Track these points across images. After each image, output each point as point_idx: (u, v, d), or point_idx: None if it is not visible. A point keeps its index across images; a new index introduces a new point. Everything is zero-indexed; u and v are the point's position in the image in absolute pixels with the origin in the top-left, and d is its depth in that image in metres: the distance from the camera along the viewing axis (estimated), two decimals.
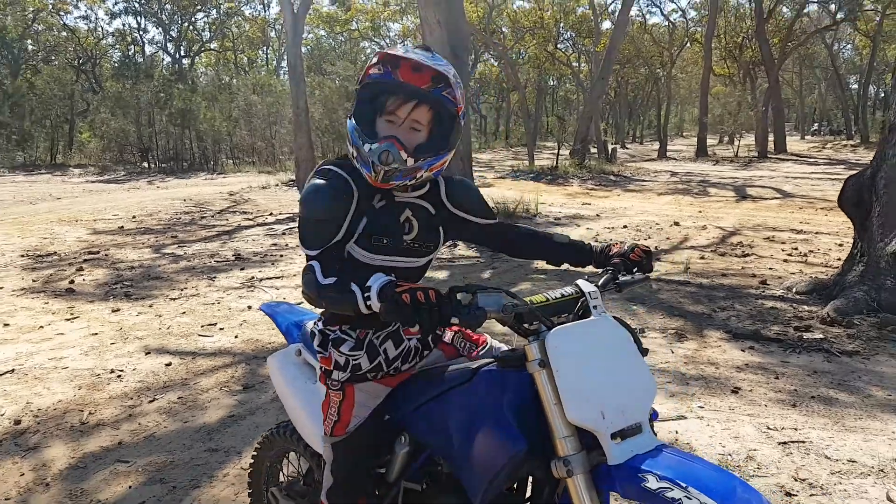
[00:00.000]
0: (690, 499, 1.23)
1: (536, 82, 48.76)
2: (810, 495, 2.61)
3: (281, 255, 8.79)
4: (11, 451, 3.44)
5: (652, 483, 1.29)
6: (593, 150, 28.84)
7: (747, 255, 8.16)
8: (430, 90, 1.61)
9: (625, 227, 10.54)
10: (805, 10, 35.95)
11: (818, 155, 30.64)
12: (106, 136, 30.52)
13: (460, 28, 10.98)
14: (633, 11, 37.44)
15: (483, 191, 10.99)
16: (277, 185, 17.41)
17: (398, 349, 1.83)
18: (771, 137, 31.84)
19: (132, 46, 46.64)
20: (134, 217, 12.69)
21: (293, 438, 2.20)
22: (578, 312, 1.57)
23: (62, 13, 41.88)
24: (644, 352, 1.58)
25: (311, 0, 19.73)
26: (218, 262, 8.50)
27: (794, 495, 2.62)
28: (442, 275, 7.58)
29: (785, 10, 35.36)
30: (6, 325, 5.73)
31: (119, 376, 4.46)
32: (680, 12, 45.08)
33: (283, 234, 10.61)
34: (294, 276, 7.51)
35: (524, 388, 1.50)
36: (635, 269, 1.79)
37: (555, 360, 1.43)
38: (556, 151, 24.38)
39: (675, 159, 30.59)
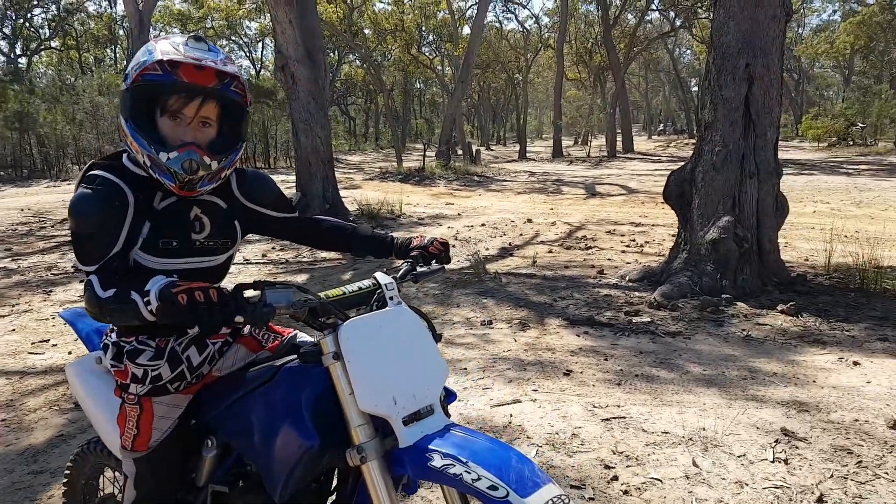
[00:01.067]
0: (470, 472, 1.34)
1: (402, 85, 49.17)
2: (626, 466, 2.87)
3: None
4: None
5: (437, 461, 1.38)
6: (460, 153, 29.56)
7: (590, 247, 8.72)
8: (217, 87, 1.58)
9: (483, 224, 10.92)
10: (648, 18, 38.77)
11: (663, 153, 33.12)
12: None
13: (313, 28, 10.93)
14: (490, 17, 38.90)
15: (350, 192, 10.97)
16: None
17: (202, 354, 1.80)
18: (620, 138, 34.07)
19: None
20: None
21: (105, 454, 2.11)
22: (375, 304, 1.62)
23: None
24: (437, 338, 1.67)
25: None
26: (55, 274, 7.91)
27: (612, 468, 2.87)
28: (301, 278, 7.51)
29: (630, 17, 37.90)
30: None
31: None
32: (534, 18, 46.78)
33: None
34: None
35: (323, 383, 1.54)
36: (433, 261, 1.88)
37: (347, 352, 1.47)
38: (423, 153, 24.73)
39: (534, 160, 31.97)
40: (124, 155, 1.68)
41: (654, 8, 35.90)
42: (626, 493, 2.65)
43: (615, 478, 2.76)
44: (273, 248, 9.22)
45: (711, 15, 7.54)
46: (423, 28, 39.59)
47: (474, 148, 30.65)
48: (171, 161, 1.55)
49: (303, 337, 1.90)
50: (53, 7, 41.90)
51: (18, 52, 42.90)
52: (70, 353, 4.93)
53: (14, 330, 5.64)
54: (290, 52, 10.26)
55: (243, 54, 50.22)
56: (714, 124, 6.24)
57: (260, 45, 48.69)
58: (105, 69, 37.43)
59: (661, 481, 2.72)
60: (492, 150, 44.88)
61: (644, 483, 2.72)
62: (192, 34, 1.65)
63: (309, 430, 1.50)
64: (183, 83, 1.54)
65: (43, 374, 4.50)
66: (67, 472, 2.30)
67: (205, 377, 1.84)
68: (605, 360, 4.34)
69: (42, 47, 45.09)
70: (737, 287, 5.88)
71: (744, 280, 5.94)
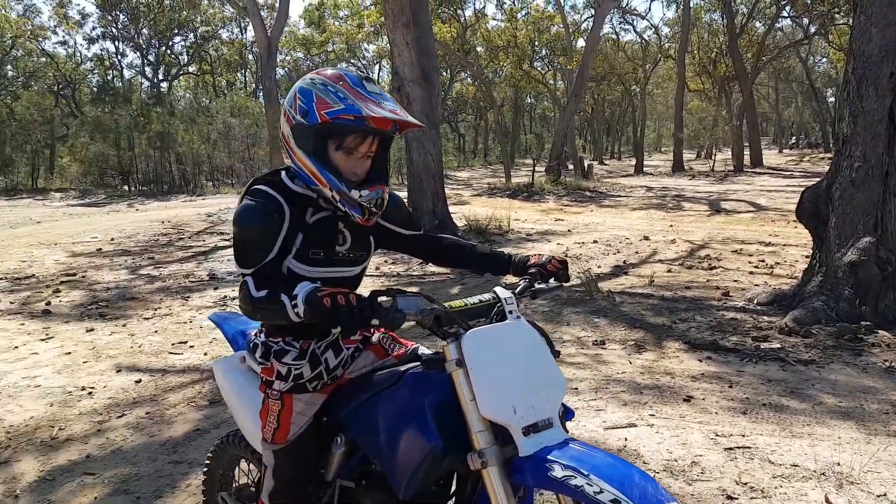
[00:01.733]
0: (591, 485, 1.34)
1: (513, 100, 49.26)
2: (751, 498, 2.73)
3: None
4: None
5: (558, 472, 1.40)
6: (571, 167, 29.18)
7: (714, 267, 8.34)
8: (390, 130, 1.78)
9: (595, 242, 10.71)
10: (778, 25, 36.77)
11: (795, 168, 31.21)
12: (86, 160, 30.42)
13: (429, 50, 11.20)
14: (607, 29, 38.17)
15: (458, 208, 11.16)
16: None
17: (338, 357, 1.94)
18: (747, 152, 32.42)
19: (111, 71, 46.61)
20: (112, 239, 12.65)
21: (242, 446, 2.28)
22: (495, 317, 1.69)
23: (41, 39, 41.79)
24: (556, 354, 1.70)
25: (285, 23, 19.92)
26: (192, 282, 8.54)
27: (734, 498, 2.74)
28: (412, 290, 7.68)
29: (758, 24, 36.09)
30: None
31: (90, 393, 4.52)
32: (653, 29, 45.46)
33: None
34: None
35: (445, 388, 1.61)
36: (551, 279, 1.94)
37: (469, 360, 1.54)
38: (532, 168, 24.63)
39: (651, 174, 31.02)
40: (283, 172, 1.85)
41: (786, 15, 34.01)
42: None
43: None
44: (385, 262, 9.50)
45: (850, 21, 7.05)
46: (536, 43, 39.51)
47: (586, 162, 30.17)
48: (363, 198, 1.75)
49: (424, 350, 2.00)
50: (192, 35, 45.52)
51: (160, 77, 46.90)
52: (206, 354, 5.32)
53: (156, 332, 6.15)
54: (405, 73, 10.58)
55: None
56: (853, 138, 5.82)
57: (377, 66, 50.43)
58: (236, 92, 40.28)
59: None
60: (605, 164, 44.00)
61: None
62: (364, 76, 1.78)
63: (432, 432, 1.57)
64: (371, 129, 1.72)
65: (181, 373, 4.89)
66: (207, 461, 2.50)
67: (338, 379, 1.97)
68: (730, 386, 4.14)
69: (181, 72, 49.03)
70: (878, 314, 5.43)
71: (886, 307, 5.48)
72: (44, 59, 42.26)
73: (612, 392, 4.08)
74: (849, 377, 4.31)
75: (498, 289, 1.73)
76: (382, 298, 1.54)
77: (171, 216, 16.82)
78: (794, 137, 55.29)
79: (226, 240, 12.41)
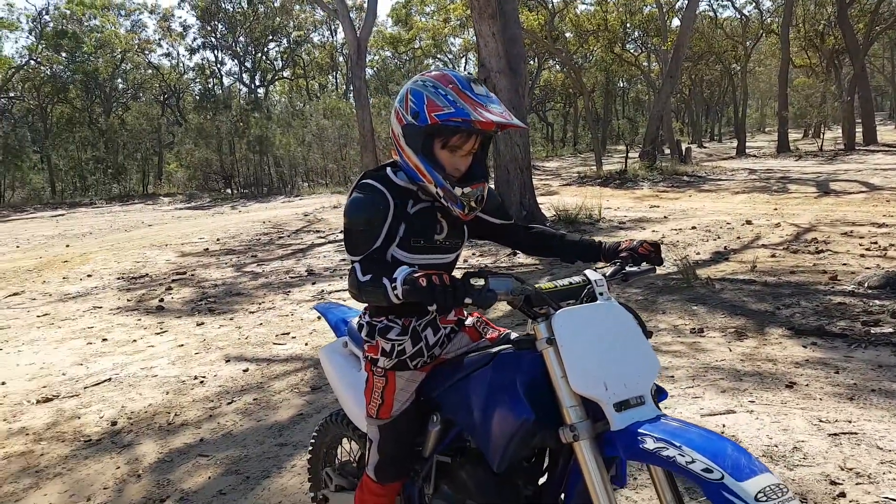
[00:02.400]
0: (683, 455, 1.37)
1: (604, 85, 48.09)
2: (856, 484, 2.62)
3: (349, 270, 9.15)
4: (108, 448, 3.84)
5: (649, 444, 1.43)
6: (667, 152, 28.22)
7: (821, 251, 7.90)
8: (494, 130, 1.86)
9: (693, 227, 10.36)
10: None
11: None
12: (191, 166, 32.26)
13: (515, 38, 11.14)
14: (703, 6, 36.60)
15: (547, 198, 11.13)
16: None
17: (436, 336, 2.06)
18: (859, 129, 30.26)
19: (211, 79, 49.15)
20: (218, 240, 13.39)
21: (345, 424, 2.45)
22: (585, 298, 1.72)
23: (147, 52, 44.58)
24: (648, 334, 1.72)
25: (374, 23, 20.34)
26: (292, 277, 8.94)
27: (838, 484, 2.63)
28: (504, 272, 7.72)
29: None
30: (104, 339, 6.28)
31: (202, 382, 4.85)
32: (753, 3, 43.13)
33: None
34: None
35: (536, 367, 1.67)
36: (642, 263, 1.95)
37: (560, 338, 1.59)
38: (625, 155, 23.97)
39: (754, 156, 29.54)
40: (388, 168, 1.99)
41: None
42: None
43: (842, 494, 2.54)
44: (473, 255, 9.58)
45: None
46: (628, 25, 38.38)
47: (684, 146, 29.04)
48: (465, 195, 1.87)
49: (515, 335, 2.05)
50: (285, 41, 47.28)
51: (257, 83, 49.02)
52: (306, 344, 5.58)
53: (261, 324, 6.50)
54: (492, 65, 10.59)
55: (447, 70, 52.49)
56: None
57: (463, 60, 50.61)
58: (328, 94, 41.55)
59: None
60: (705, 147, 42.25)
61: (876, 502, 2.45)
62: (472, 78, 1.87)
63: (524, 406, 1.63)
64: (477, 130, 1.81)
65: (285, 362, 5.16)
66: (312, 440, 2.68)
67: (436, 358, 2.07)
68: (836, 372, 3.95)
69: (276, 77, 51.06)
70: None
71: None
72: (150, 71, 45.06)
73: (710, 380, 3.98)
74: None
75: (588, 272, 1.77)
76: (475, 279, 1.61)
77: (270, 217, 17.60)
78: None
79: (321, 237, 12.88)
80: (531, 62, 38.80)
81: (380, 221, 1.85)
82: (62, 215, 22.70)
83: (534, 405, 1.64)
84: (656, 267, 1.97)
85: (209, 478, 3.35)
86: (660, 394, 1.71)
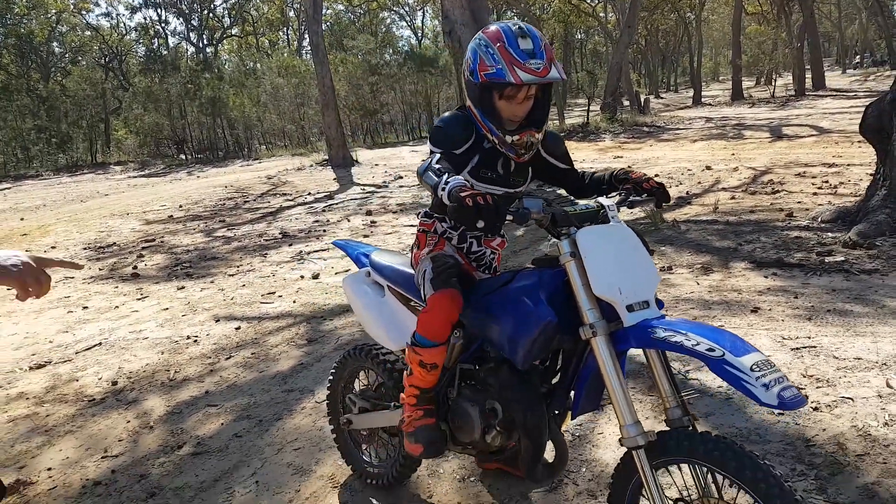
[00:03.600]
0: (689, 340, 1.61)
1: (563, 37, 47.96)
2: (817, 388, 2.95)
3: (324, 231, 9.25)
4: (114, 405, 3.97)
5: (659, 333, 1.68)
6: (626, 104, 28.52)
7: (777, 191, 8.31)
8: (544, 78, 2.04)
9: (656, 175, 10.67)
10: None
11: (859, 88, 29.74)
12: (141, 132, 31.32)
13: None
14: None
15: None
16: (312, 165, 17.82)
17: (478, 249, 2.40)
18: (809, 74, 31.01)
19: (156, 40, 47.28)
20: (181, 206, 13.26)
21: (364, 356, 2.67)
22: (599, 221, 1.98)
23: (84, 12, 42.63)
24: (650, 252, 1.98)
25: None
26: (266, 240, 9.01)
27: (801, 389, 2.96)
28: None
29: None
30: (85, 307, 6.31)
31: (195, 341, 4.98)
32: None
33: (324, 211, 11.07)
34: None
35: (555, 281, 1.93)
36: (644, 195, 2.19)
37: (583, 250, 1.83)
38: (586, 108, 24.16)
39: (710, 105, 30.10)
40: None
41: None
42: (816, 409, 2.76)
43: (805, 397, 2.85)
44: None
45: None
46: None
47: (642, 97, 29.41)
48: (515, 143, 2.14)
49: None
50: None
51: (205, 41, 47.48)
52: (294, 301, 5.74)
53: (244, 286, 6.61)
54: (455, 16, 10.62)
55: (404, 24, 51.73)
56: None
57: (420, 13, 49.79)
58: (280, 52, 40.49)
59: (852, 400, 2.79)
60: (662, 97, 42.71)
61: (834, 401, 2.79)
62: (519, 32, 2.06)
63: (548, 310, 1.89)
64: (521, 84, 2.04)
65: (276, 319, 5.31)
66: (332, 374, 2.88)
67: (467, 274, 2.32)
68: (795, 297, 4.30)
69: (224, 35, 49.47)
70: None
71: None
72: (89, 33, 43.08)
73: (681, 310, 4.30)
74: None
75: (601, 198, 2.04)
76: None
77: (231, 181, 17.40)
78: (857, 57, 52.30)
79: (290, 200, 12.87)
80: (492, 14, 38.35)
81: (463, 136, 2.16)
82: (9, 188, 21.99)
83: (555, 310, 1.89)
84: (659, 201, 2.19)
85: (222, 424, 3.53)
86: (658, 304, 1.95)
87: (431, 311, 2.16)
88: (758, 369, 1.53)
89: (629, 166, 2.43)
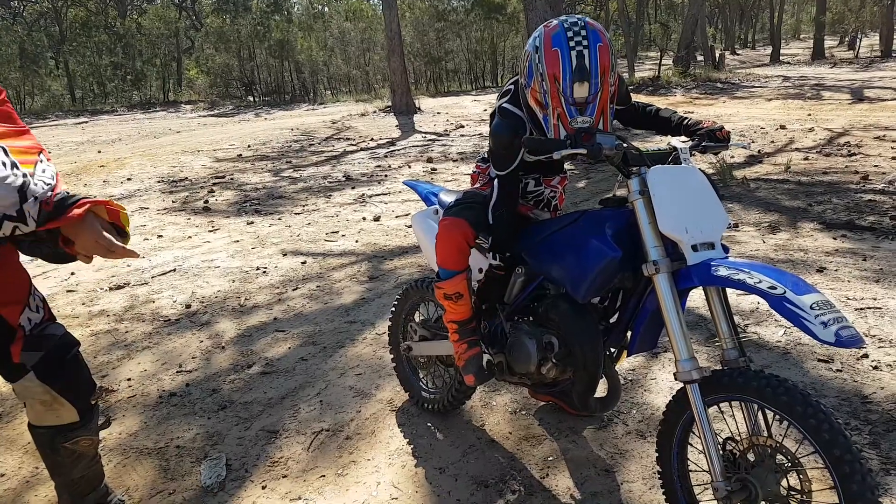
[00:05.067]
0: (752, 277, 1.63)
1: None
2: (878, 347, 2.92)
3: (385, 176, 9.37)
4: (188, 326, 4.23)
5: (722, 271, 1.70)
6: (700, 58, 27.44)
7: (854, 154, 7.97)
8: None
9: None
10: None
11: None
12: (212, 72, 31.90)
13: None
14: None
15: None
16: (375, 111, 17.92)
17: (535, 189, 2.47)
18: None
19: None
20: (249, 146, 13.57)
21: (426, 289, 2.80)
22: (671, 162, 1.99)
23: None
24: (721, 197, 1.98)
25: None
26: (331, 182, 9.20)
27: (862, 348, 2.93)
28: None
29: None
30: (160, 236, 6.64)
31: (264, 272, 5.21)
32: None
33: (385, 156, 11.18)
34: (399, 192, 8.08)
35: (620, 221, 1.97)
36: (718, 143, 2.18)
37: (653, 187, 1.85)
38: (658, 61, 23.37)
39: (789, 63, 28.69)
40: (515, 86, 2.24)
41: None
42: (875, 368, 2.74)
43: (865, 355, 2.86)
44: None
45: None
46: None
47: (717, 52, 28.20)
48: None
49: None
50: None
51: None
52: (356, 241, 5.91)
53: (309, 224, 6.82)
54: None
55: None
56: None
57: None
58: None
59: None
60: (738, 54, 40.90)
61: (895, 360, 2.76)
62: (580, 58, 1.99)
63: (613, 246, 1.94)
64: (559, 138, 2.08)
65: (340, 256, 5.50)
66: (395, 303, 3.02)
67: (526, 206, 2.42)
68: (864, 260, 4.20)
69: None
70: None
71: None
72: None
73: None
74: None
75: (674, 140, 2.04)
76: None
77: (298, 124, 17.67)
78: None
79: (353, 145, 13.03)
80: None
81: (517, 143, 2.13)
82: (86, 122, 22.88)
83: (620, 248, 1.94)
84: (728, 146, 2.19)
85: (289, 348, 3.74)
86: (725, 249, 1.96)
87: (440, 240, 2.26)
88: (818, 308, 1.54)
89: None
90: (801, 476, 1.69)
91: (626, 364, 3.11)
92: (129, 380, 3.51)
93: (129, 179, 10.20)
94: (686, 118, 2.32)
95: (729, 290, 1.80)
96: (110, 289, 5.08)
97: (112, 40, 35.37)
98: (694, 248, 1.80)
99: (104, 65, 35.08)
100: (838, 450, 1.52)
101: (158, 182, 9.90)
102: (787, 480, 1.72)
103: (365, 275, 4.93)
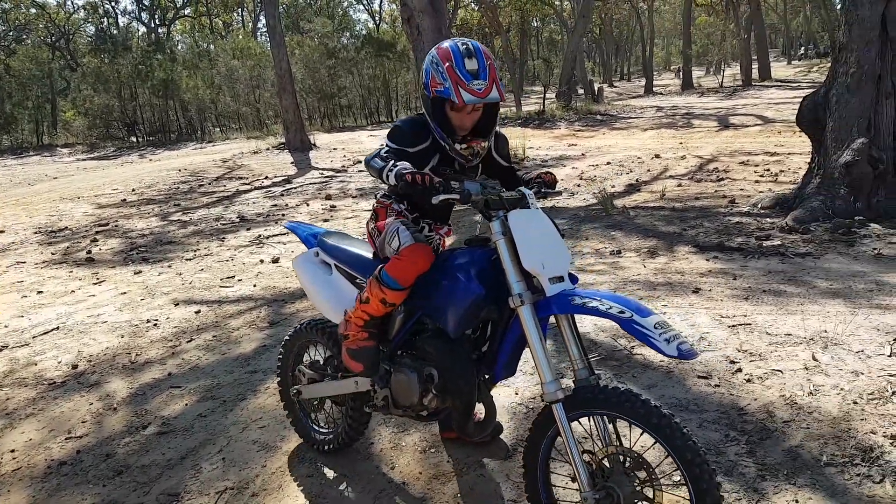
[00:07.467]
0: (603, 305, 1.90)
1: (519, 25, 48.19)
2: (750, 361, 3.21)
3: (283, 215, 9.26)
4: (76, 388, 4.00)
5: (577, 300, 1.96)
6: (581, 92, 28.94)
7: (722, 179, 8.68)
8: (486, 99, 2.29)
9: (608, 163, 11.00)
10: None
11: (804, 79, 30.83)
12: (90, 113, 30.36)
13: None
14: None
15: None
16: (268, 149, 17.68)
17: (429, 234, 2.59)
18: (756, 65, 31.95)
19: (105, 19, 45.94)
20: (133, 190, 13.04)
21: (313, 331, 2.86)
22: (522, 207, 2.21)
23: None
24: (562, 234, 2.25)
25: None
26: (224, 224, 8.98)
27: (736, 362, 3.22)
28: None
29: None
30: (40, 292, 6.25)
31: (155, 324, 5.01)
32: None
33: (282, 195, 11.05)
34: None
35: (483, 259, 2.21)
36: (548, 187, 2.49)
37: (514, 229, 2.09)
38: (542, 95, 24.47)
39: (661, 94, 30.82)
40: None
41: None
42: (748, 381, 3.00)
43: (739, 370, 3.13)
44: None
45: None
46: None
47: (596, 86, 29.91)
48: (461, 150, 2.40)
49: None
50: None
51: (157, 22, 46.19)
52: (254, 285, 5.80)
53: (202, 270, 6.62)
54: (414, 4, 10.64)
55: (362, 7, 51.11)
56: (848, 45, 6.06)
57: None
58: (235, 33, 39.63)
59: (781, 372, 3.05)
60: (615, 86, 43.47)
61: (765, 374, 3.05)
62: (466, 52, 2.29)
63: (476, 284, 2.17)
64: (463, 104, 2.31)
65: (237, 302, 5.37)
66: (282, 348, 3.05)
67: None
68: (734, 279, 4.58)
69: (177, 16, 48.24)
70: (871, 209, 5.82)
71: (878, 202, 5.86)
72: (34, 11, 41.61)
73: (628, 291, 4.53)
74: (841, 265, 4.74)
75: (522, 188, 2.28)
76: (453, 182, 2.17)
77: (185, 164, 17.11)
78: (802, 48, 54.04)
79: (246, 184, 12.78)
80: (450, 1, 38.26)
81: (417, 138, 2.38)
82: None
83: (484, 285, 2.16)
84: (555, 188, 2.50)
85: (186, 405, 3.61)
86: (573, 279, 2.20)
87: (405, 259, 2.33)
88: (660, 327, 1.83)
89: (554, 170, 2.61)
90: (651, 475, 1.93)
91: (527, 393, 3.24)
92: (12, 451, 3.29)
93: (1, 232, 9.53)
94: (528, 172, 2.60)
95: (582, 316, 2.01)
96: None
97: None
98: (551, 280, 2.04)
99: None
100: (689, 453, 1.79)
101: (35, 233, 9.32)
102: (640, 480, 1.96)
103: (265, 320, 4.84)
